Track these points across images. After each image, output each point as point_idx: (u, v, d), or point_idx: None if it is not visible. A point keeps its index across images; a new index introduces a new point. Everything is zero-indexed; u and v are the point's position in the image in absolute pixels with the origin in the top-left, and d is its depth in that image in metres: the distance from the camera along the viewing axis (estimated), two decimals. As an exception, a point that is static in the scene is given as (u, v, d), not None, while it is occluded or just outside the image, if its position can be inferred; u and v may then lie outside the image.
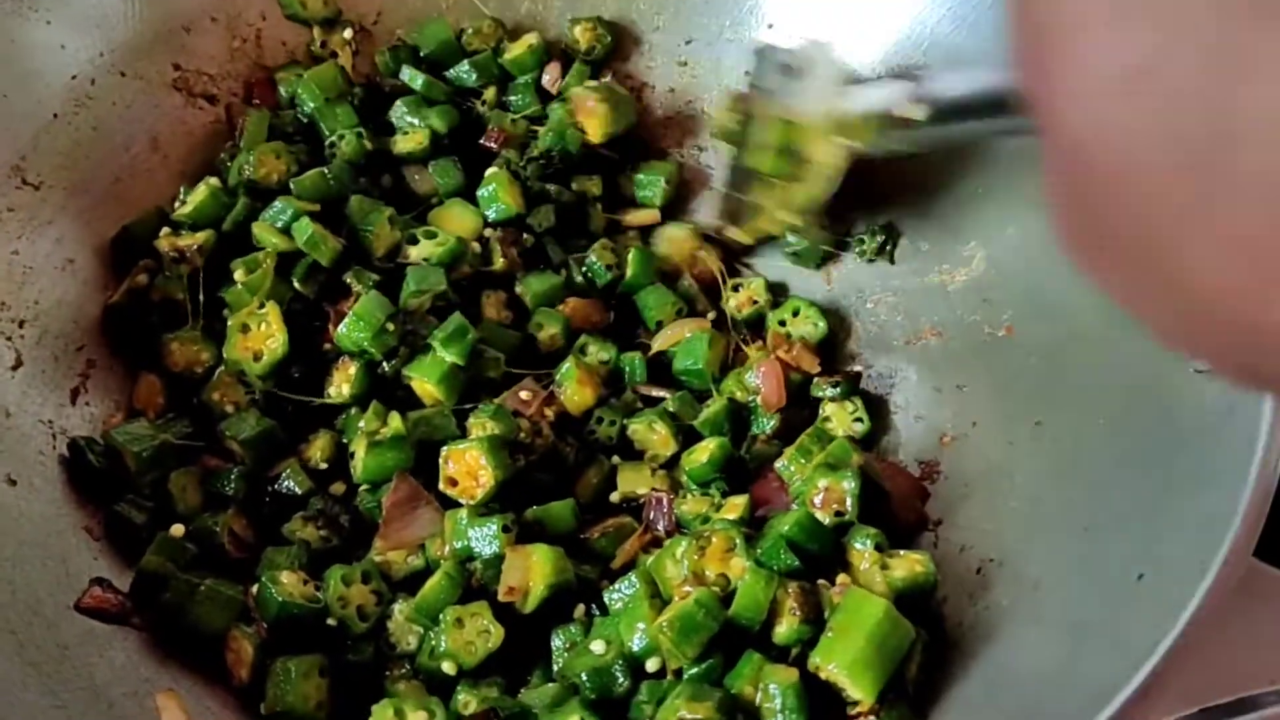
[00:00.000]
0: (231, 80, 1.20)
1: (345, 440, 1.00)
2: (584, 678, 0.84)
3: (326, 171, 1.09)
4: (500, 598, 0.89)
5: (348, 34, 1.23)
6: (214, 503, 0.98)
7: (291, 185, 1.08)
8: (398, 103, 1.19)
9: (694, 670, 0.83)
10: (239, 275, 1.01)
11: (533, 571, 0.90)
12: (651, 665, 0.85)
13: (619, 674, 0.84)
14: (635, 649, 0.85)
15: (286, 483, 0.98)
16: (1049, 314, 0.96)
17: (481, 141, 1.19)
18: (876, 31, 1.11)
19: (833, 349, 1.12)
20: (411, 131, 1.17)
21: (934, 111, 0.91)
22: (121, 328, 1.05)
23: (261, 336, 0.99)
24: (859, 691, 0.78)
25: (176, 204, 1.09)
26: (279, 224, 1.04)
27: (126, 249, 1.08)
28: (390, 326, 0.97)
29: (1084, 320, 0.90)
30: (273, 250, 1.02)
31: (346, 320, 0.98)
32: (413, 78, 1.20)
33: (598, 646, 0.88)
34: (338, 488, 1.00)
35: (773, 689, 0.79)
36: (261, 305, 0.99)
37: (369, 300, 0.98)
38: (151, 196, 1.12)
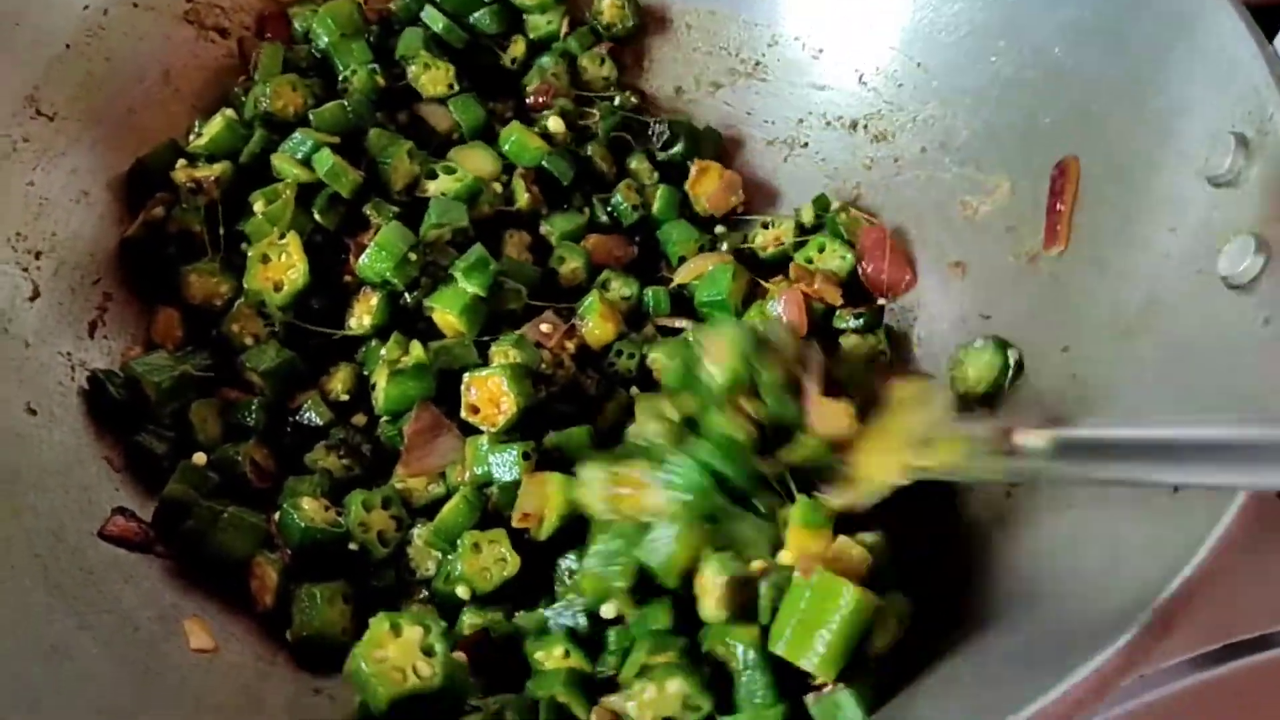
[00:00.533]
0: (243, 14, 1.19)
1: (366, 371, 1.00)
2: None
3: (345, 104, 1.08)
4: (514, 523, 0.89)
5: (360, -32, 1.21)
6: (235, 433, 0.97)
7: (310, 117, 1.07)
8: (407, 37, 1.17)
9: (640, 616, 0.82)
10: (259, 206, 1.00)
11: (548, 499, 0.90)
12: (607, 611, 0.84)
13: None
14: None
15: (308, 414, 0.98)
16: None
17: (529, 100, 1.19)
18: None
19: (856, 285, 1.11)
20: (435, 68, 1.15)
21: (1059, 445, 0.71)
22: (138, 260, 1.05)
23: (282, 267, 0.98)
24: (823, 675, 0.75)
25: (191, 136, 1.08)
26: (298, 155, 1.03)
27: (141, 181, 1.07)
28: (412, 256, 0.97)
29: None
30: (292, 181, 1.01)
31: (369, 250, 0.97)
32: (433, 18, 1.18)
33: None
34: (359, 419, 0.99)
35: (738, 647, 0.78)
36: (282, 236, 0.98)
37: (391, 230, 0.97)
38: (165, 129, 1.11)
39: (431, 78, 1.16)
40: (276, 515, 0.91)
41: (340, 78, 1.13)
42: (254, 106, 1.08)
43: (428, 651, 0.77)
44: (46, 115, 1.03)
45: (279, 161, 1.02)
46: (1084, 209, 0.96)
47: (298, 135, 1.04)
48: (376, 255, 0.97)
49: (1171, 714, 0.95)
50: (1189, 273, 0.81)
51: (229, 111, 1.07)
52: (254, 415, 0.97)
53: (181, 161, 1.05)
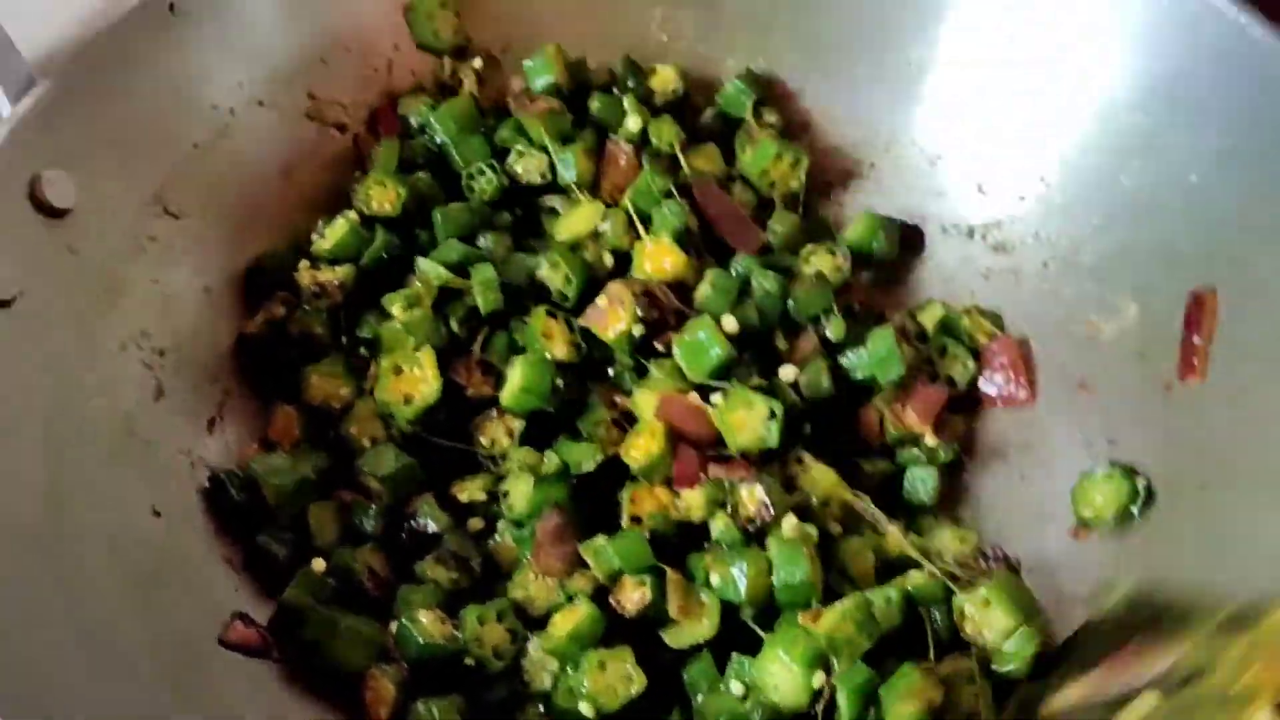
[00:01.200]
0: (361, 110, 1.20)
1: (502, 476, 0.99)
2: None
3: (470, 208, 1.09)
4: (673, 615, 0.90)
5: (477, 63, 1.22)
6: (351, 537, 0.97)
7: (435, 216, 1.08)
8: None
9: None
10: (396, 309, 1.01)
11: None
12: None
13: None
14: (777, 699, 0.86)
15: (424, 520, 0.97)
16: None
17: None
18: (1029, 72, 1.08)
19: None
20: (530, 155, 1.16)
21: None
22: (257, 358, 1.05)
23: (414, 380, 0.98)
24: None
25: (314, 237, 1.09)
26: (448, 260, 1.04)
27: (261, 279, 1.08)
28: (560, 384, 0.97)
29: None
30: (433, 287, 1.01)
31: (514, 387, 0.99)
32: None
33: (735, 688, 0.89)
34: (475, 524, 0.98)
35: None
36: (417, 348, 0.98)
37: (533, 368, 0.99)
38: (283, 225, 1.12)
39: (527, 165, 1.16)
40: (394, 627, 0.90)
41: (464, 174, 1.14)
42: (371, 206, 1.09)
43: None
44: (173, 214, 1.04)
45: (428, 268, 1.03)
46: (1225, 343, 0.93)
47: (452, 243, 1.05)
48: (521, 395, 0.99)
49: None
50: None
51: (351, 214, 1.08)
52: (372, 521, 0.96)
53: (305, 263, 1.06)
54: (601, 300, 1.01)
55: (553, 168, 1.15)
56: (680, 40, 1.25)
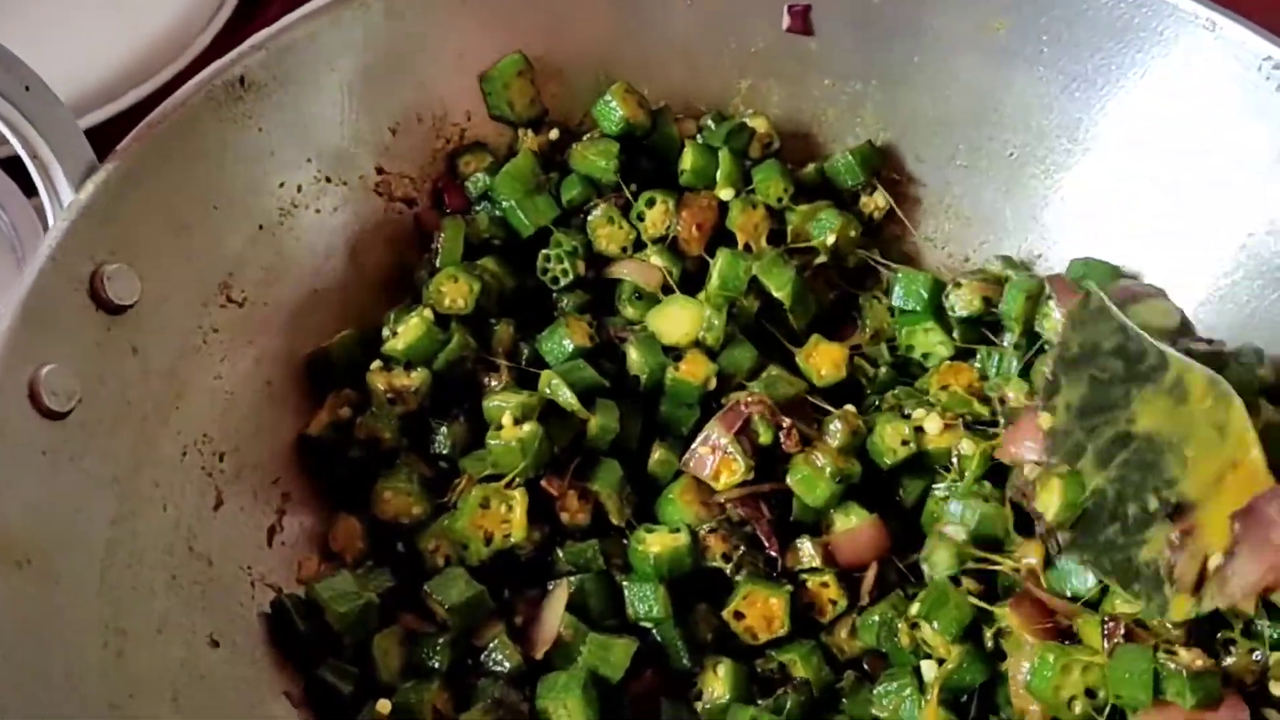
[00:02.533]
0: (429, 184, 1.13)
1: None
2: None
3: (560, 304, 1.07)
4: None
5: (554, 135, 1.14)
6: (416, 668, 0.91)
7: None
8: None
9: None
10: (506, 423, 0.93)
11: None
12: None
13: None
14: None
15: (495, 655, 0.91)
16: None
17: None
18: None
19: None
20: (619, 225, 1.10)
21: None
22: (320, 462, 0.99)
23: (498, 517, 0.92)
24: None
25: (385, 333, 1.02)
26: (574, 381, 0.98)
27: (325, 371, 1.02)
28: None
29: None
30: (540, 405, 0.95)
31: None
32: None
33: None
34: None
35: None
36: (512, 483, 0.91)
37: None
38: (348, 310, 1.06)
39: (611, 235, 1.10)
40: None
41: (539, 262, 1.08)
42: (444, 304, 1.02)
43: None
44: (236, 302, 0.98)
45: (553, 386, 0.97)
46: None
47: (569, 365, 1.00)
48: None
49: None
50: None
51: (426, 312, 1.00)
52: (439, 655, 0.90)
53: (377, 364, 0.99)
54: (702, 447, 0.95)
55: (638, 241, 1.09)
56: (766, 114, 1.18)
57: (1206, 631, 0.85)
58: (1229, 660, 0.83)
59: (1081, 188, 1.09)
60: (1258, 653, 0.82)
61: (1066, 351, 0.91)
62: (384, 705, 0.87)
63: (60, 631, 0.75)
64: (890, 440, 1.01)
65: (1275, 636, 0.82)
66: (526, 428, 0.92)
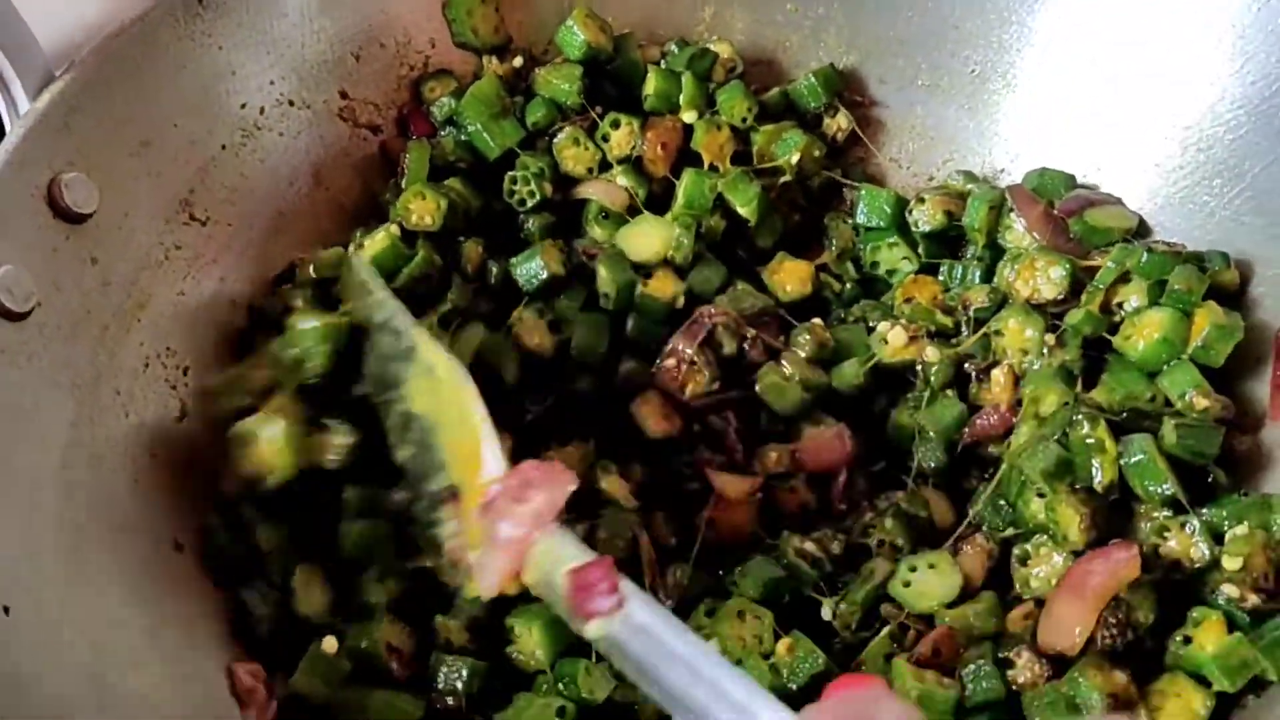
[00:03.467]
0: (394, 110, 1.13)
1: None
2: None
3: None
4: None
5: (518, 62, 1.15)
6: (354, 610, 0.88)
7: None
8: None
9: None
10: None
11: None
12: None
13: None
14: None
15: None
16: None
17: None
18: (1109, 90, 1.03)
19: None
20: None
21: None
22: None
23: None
24: None
25: (352, 248, 1.02)
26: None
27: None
28: None
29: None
30: None
31: None
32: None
33: None
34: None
35: None
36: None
37: None
38: (312, 231, 1.06)
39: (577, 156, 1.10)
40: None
41: (507, 179, 1.08)
42: (411, 220, 1.02)
43: None
44: (199, 220, 0.98)
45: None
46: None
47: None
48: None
49: None
50: None
51: (393, 227, 1.01)
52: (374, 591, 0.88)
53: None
54: (669, 360, 0.96)
55: (604, 162, 1.10)
56: (729, 40, 1.18)
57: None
58: None
59: (1040, 98, 1.10)
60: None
61: (355, 318, 0.91)
62: (330, 642, 0.84)
63: (18, 522, 0.74)
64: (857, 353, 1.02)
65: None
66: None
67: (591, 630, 0.71)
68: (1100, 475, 0.86)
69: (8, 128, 0.87)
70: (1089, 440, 0.87)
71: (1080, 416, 0.88)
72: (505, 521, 0.75)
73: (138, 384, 0.89)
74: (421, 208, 1.03)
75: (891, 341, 1.01)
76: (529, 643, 0.86)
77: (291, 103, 1.05)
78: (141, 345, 0.91)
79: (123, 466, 0.85)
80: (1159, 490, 0.85)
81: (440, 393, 0.84)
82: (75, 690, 0.70)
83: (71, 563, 0.76)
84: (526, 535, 0.74)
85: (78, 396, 0.84)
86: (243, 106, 1.02)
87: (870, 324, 1.05)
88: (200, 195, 0.98)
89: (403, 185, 1.05)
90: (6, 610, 0.69)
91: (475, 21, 1.14)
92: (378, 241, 1.00)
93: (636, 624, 0.70)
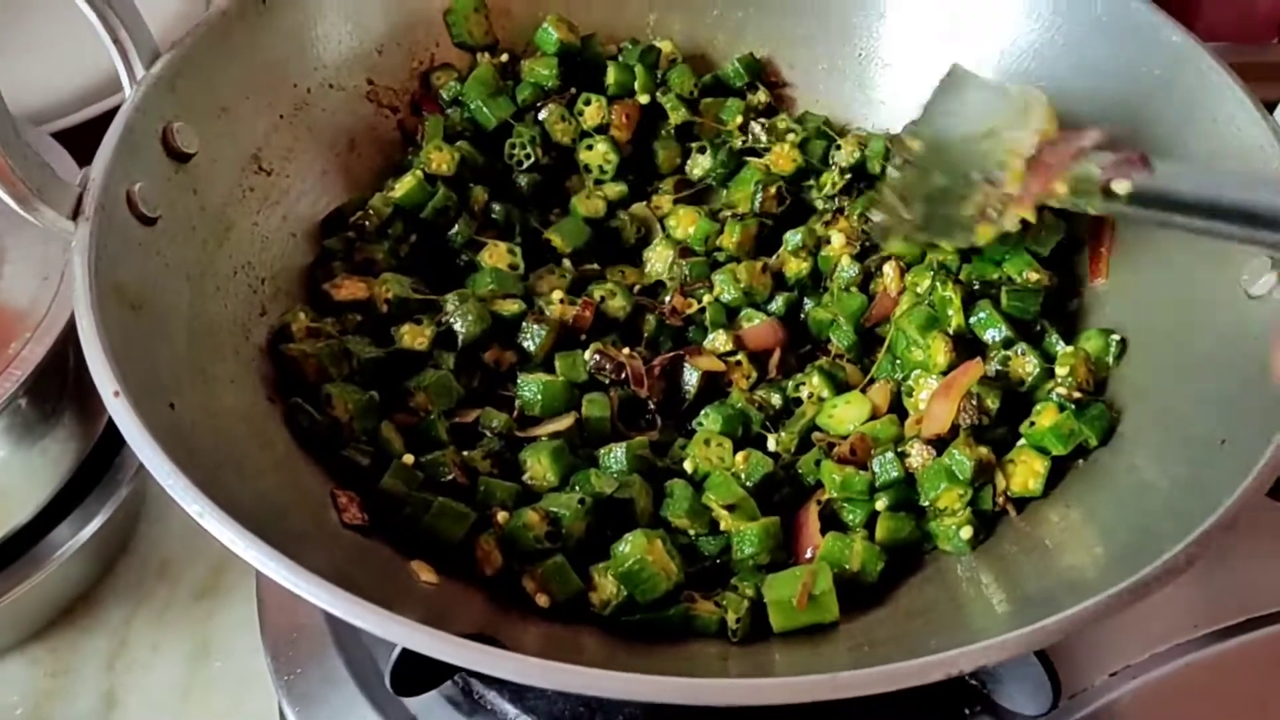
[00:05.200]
0: (410, 95, 1.42)
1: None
2: None
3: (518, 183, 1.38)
4: None
5: (504, 58, 1.45)
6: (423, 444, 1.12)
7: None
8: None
9: None
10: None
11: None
12: None
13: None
14: None
15: (485, 421, 1.16)
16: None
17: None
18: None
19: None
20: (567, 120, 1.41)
21: (1138, 195, 0.98)
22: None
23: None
24: None
25: (386, 190, 1.30)
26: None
27: (336, 225, 1.29)
28: None
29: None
30: None
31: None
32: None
33: None
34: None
35: None
36: None
37: None
38: (351, 186, 1.33)
39: (564, 129, 1.40)
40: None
41: (506, 148, 1.37)
42: (432, 166, 1.30)
43: None
44: (266, 171, 1.24)
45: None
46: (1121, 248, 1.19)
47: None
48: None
49: (1187, 686, 1.11)
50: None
51: (419, 172, 1.29)
52: (436, 429, 1.14)
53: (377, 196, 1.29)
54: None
55: (582, 133, 1.40)
56: (669, 38, 1.50)
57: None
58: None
59: (907, 71, 1.42)
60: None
61: (933, 105, 1.23)
62: (408, 457, 1.08)
63: (161, 361, 0.99)
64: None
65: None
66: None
67: (1119, 187, 0.98)
68: (953, 322, 1.16)
69: (128, 91, 1.14)
70: (946, 297, 1.17)
71: (939, 285, 1.18)
72: (1047, 158, 1.05)
73: (231, 284, 1.15)
74: (439, 158, 1.31)
75: (834, 242, 1.31)
76: (540, 469, 1.12)
77: (331, 85, 1.33)
78: (230, 258, 1.16)
79: (229, 339, 1.10)
80: (997, 334, 1.16)
81: (1018, 105, 1.13)
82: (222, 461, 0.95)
83: (200, 385, 1.01)
84: (1063, 162, 1.03)
85: (191, 286, 1.09)
86: (294, 86, 1.29)
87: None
88: (265, 152, 1.25)
89: (422, 145, 1.34)
90: (172, 406, 0.94)
91: (470, 26, 1.43)
92: (405, 182, 1.28)
93: (1174, 170, 0.96)
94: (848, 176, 1.36)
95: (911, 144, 1.22)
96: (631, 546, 1.01)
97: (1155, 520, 0.95)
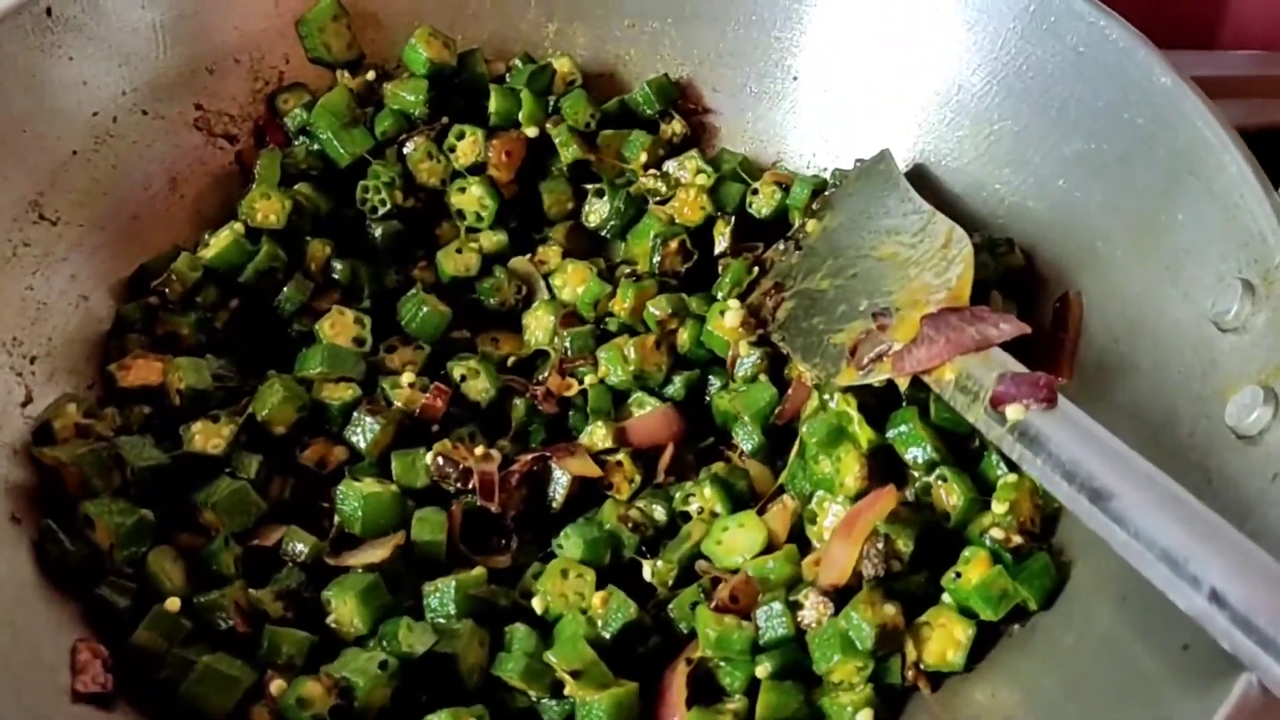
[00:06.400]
0: (250, 122, 1.19)
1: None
2: None
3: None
4: None
5: (370, 76, 1.22)
6: (206, 580, 0.91)
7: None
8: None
9: None
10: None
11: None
12: None
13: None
14: None
15: (290, 545, 0.94)
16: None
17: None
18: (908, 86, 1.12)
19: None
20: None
21: (1026, 431, 0.80)
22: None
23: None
24: None
25: (200, 248, 1.08)
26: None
27: (143, 287, 1.07)
28: None
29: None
30: None
31: None
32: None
33: None
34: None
35: None
36: None
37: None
38: (169, 236, 1.12)
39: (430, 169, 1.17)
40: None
41: (359, 192, 1.15)
42: (256, 218, 1.08)
43: None
44: (49, 220, 1.03)
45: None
46: (1089, 344, 0.96)
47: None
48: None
49: None
50: (1196, 421, 0.80)
51: (237, 225, 1.07)
52: (220, 560, 0.91)
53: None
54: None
55: (453, 174, 1.17)
56: (573, 54, 1.26)
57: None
58: None
59: (847, 97, 1.18)
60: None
61: (846, 188, 1.05)
62: (172, 603, 0.87)
63: None
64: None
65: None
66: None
67: (1012, 412, 0.79)
68: (860, 438, 0.93)
69: None
70: (844, 412, 0.94)
71: (837, 397, 0.95)
72: (948, 330, 0.85)
73: (-19, 369, 0.94)
74: (266, 207, 1.09)
75: (726, 320, 1.07)
76: (345, 612, 0.90)
77: (145, 112, 1.11)
78: (-14, 335, 0.95)
79: (-39, 443, 0.89)
80: (920, 454, 0.93)
81: (926, 244, 0.97)
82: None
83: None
84: (963, 344, 0.84)
85: (-82, 378, 0.88)
86: (94, 115, 1.07)
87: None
88: (50, 196, 1.03)
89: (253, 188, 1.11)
90: None
91: (327, 38, 1.20)
92: (221, 239, 1.06)
93: (1065, 415, 0.77)
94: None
95: (809, 225, 1.00)
96: (436, 736, 0.80)
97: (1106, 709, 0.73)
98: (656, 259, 1.14)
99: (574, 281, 1.15)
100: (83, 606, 0.87)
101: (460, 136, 1.18)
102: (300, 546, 0.94)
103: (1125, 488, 0.72)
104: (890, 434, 0.94)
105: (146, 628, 0.85)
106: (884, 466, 0.94)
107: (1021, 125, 1.05)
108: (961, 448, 0.95)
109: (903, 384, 0.89)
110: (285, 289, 1.07)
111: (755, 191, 1.16)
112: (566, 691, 0.87)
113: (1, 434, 0.92)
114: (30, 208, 1.01)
